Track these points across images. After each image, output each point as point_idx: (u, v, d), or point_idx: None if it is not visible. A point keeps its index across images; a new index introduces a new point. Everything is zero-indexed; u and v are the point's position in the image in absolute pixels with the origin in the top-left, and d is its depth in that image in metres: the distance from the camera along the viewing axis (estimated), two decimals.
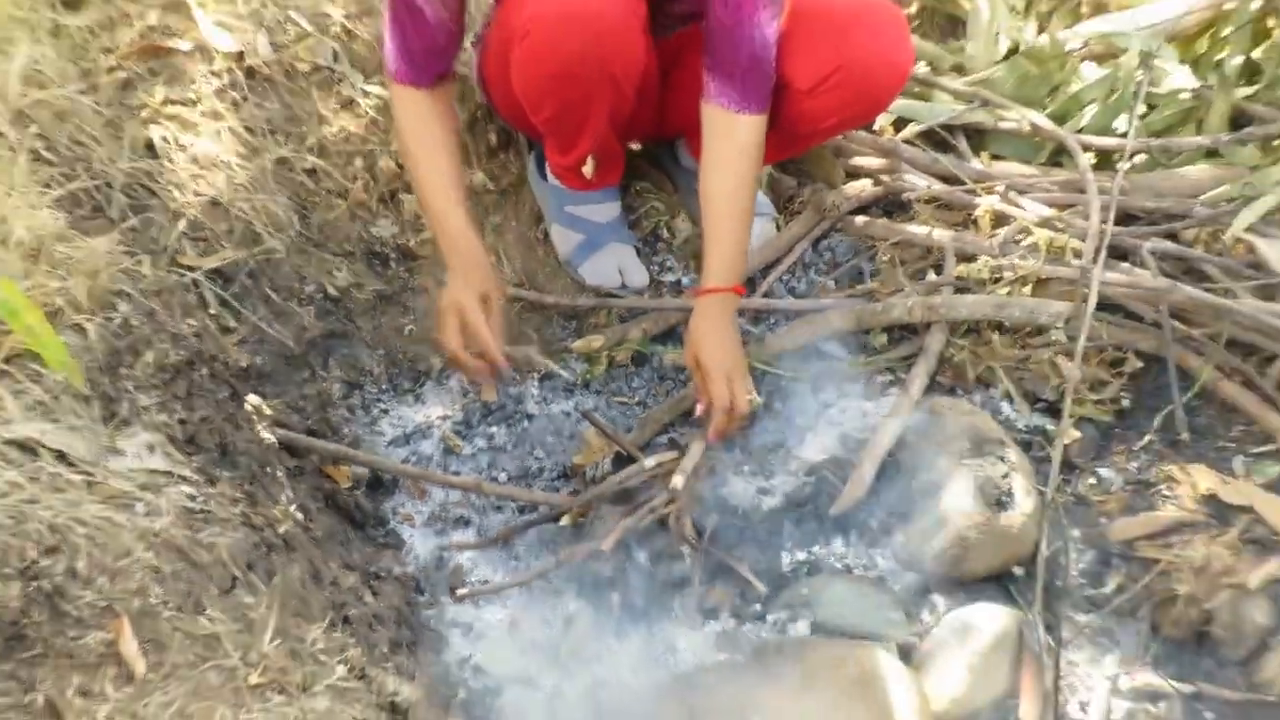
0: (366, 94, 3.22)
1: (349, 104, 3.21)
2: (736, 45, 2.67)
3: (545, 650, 2.59)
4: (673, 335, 3.21)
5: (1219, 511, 2.72)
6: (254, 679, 1.89)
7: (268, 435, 2.55)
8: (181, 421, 2.27)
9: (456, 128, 2.91)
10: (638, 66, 2.76)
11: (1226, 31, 3.49)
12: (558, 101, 2.78)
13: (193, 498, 2.09)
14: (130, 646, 1.79)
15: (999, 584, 2.72)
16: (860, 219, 3.37)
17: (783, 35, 2.74)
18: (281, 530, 2.26)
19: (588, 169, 3.03)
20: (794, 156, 3.31)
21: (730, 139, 2.76)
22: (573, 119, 2.85)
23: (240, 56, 3.10)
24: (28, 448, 1.95)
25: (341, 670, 2.03)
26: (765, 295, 3.22)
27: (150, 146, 2.86)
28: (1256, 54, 3.51)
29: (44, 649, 1.73)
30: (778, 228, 3.36)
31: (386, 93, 3.22)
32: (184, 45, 3.05)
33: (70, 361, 2.08)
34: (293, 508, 2.39)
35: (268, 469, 2.46)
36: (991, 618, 2.59)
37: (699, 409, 2.85)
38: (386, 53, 2.74)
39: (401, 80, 2.76)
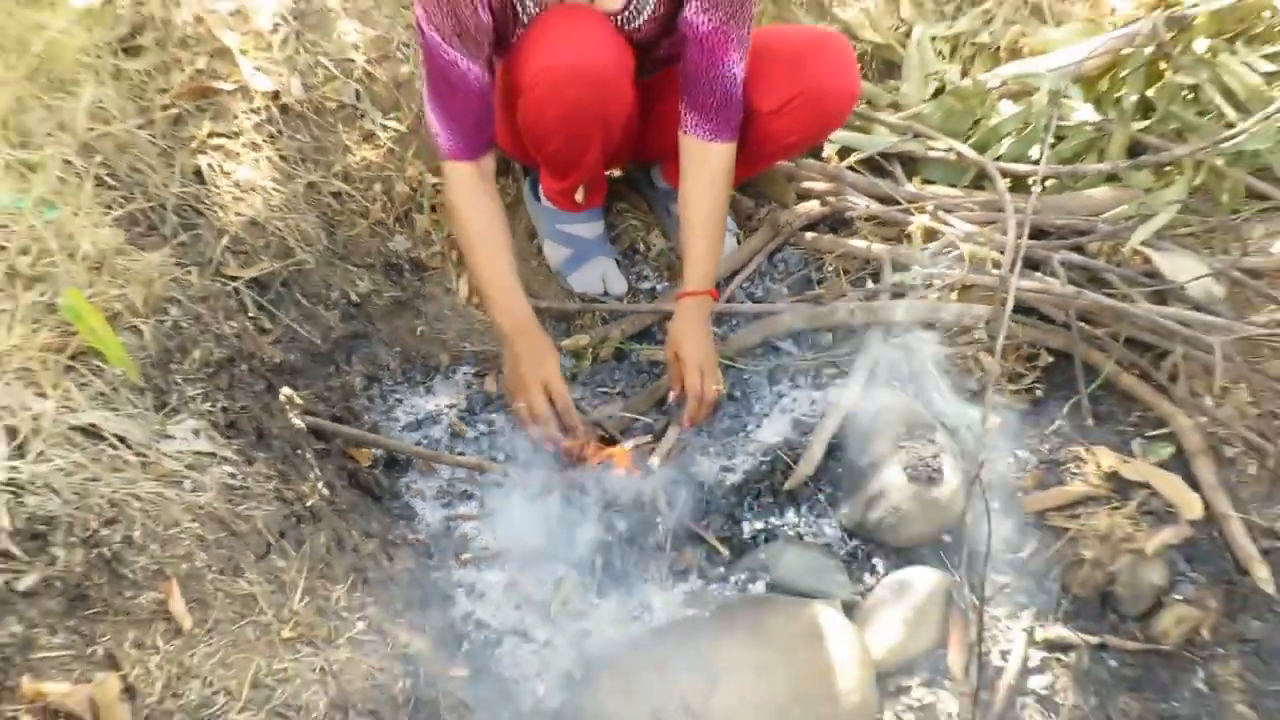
0: (385, 128, 3.22)
1: (369, 136, 3.20)
2: (711, 85, 2.70)
3: (538, 607, 2.60)
4: (648, 335, 3.21)
5: (1120, 487, 2.73)
6: (286, 633, 1.88)
7: (298, 422, 2.54)
8: (224, 410, 2.26)
9: (501, 205, 2.84)
10: (627, 110, 2.79)
11: (1124, 74, 3.49)
12: (560, 139, 2.80)
13: (233, 476, 2.08)
14: (179, 605, 1.79)
15: (930, 549, 2.73)
16: (809, 235, 3.37)
17: (749, 66, 2.75)
18: (310, 504, 2.25)
19: (579, 195, 3.05)
20: (758, 172, 3.31)
21: (706, 165, 2.79)
22: (571, 153, 2.87)
23: (276, 96, 3.10)
24: (91, 433, 1.94)
25: (362, 625, 2.04)
26: (728, 300, 3.21)
27: (198, 173, 2.86)
28: (1150, 93, 3.51)
29: (104, 608, 1.73)
30: (738, 242, 3.36)
31: (402, 127, 3.23)
32: (228, 86, 3.05)
33: (127, 358, 2.08)
34: (319, 484, 2.38)
35: (298, 451, 2.45)
36: (924, 579, 2.60)
37: (672, 396, 2.88)
38: (437, 138, 2.70)
39: (455, 157, 2.71)
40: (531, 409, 2.75)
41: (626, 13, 2.67)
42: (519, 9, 2.64)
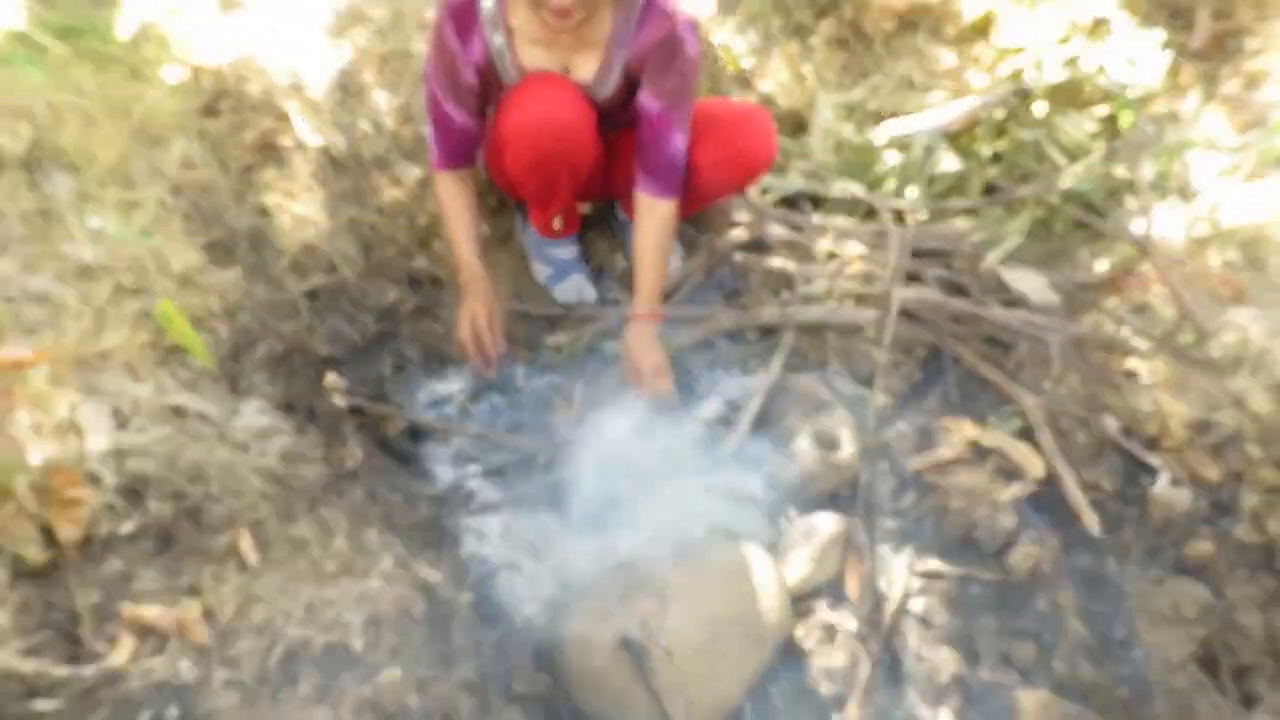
0: (408, 174, 3.21)
1: (397, 181, 3.19)
2: (658, 154, 2.73)
3: (527, 547, 2.60)
4: (613, 334, 3.20)
5: (979, 452, 2.75)
6: (330, 567, 1.89)
7: (340, 401, 2.55)
8: (283, 392, 2.28)
9: (475, 199, 2.95)
10: (589, 157, 2.78)
11: (981, 131, 3.50)
12: (536, 181, 2.80)
13: (289, 444, 2.09)
14: (247, 545, 1.80)
15: (833, 501, 2.73)
16: (739, 256, 3.37)
17: (693, 128, 2.78)
18: (349, 465, 2.26)
19: (557, 224, 3.05)
20: (701, 209, 3.33)
21: (652, 216, 2.83)
22: (545, 192, 2.86)
23: (325, 149, 3.08)
24: (178, 411, 1.95)
25: (389, 562, 2.04)
26: (676, 304, 3.22)
27: (264, 209, 2.85)
28: (1000, 146, 3.52)
29: (187, 548, 1.74)
30: (683, 261, 3.36)
31: (424, 173, 3.21)
32: (288, 142, 3.04)
33: (207, 353, 2.10)
34: (357, 451, 2.39)
35: (340, 424, 2.46)
36: (827, 523, 2.61)
37: (634, 397, 2.88)
38: (430, 150, 2.84)
39: (440, 168, 2.85)
40: (458, 331, 2.92)
41: (595, 85, 2.68)
42: (501, 78, 2.67)
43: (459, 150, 2.83)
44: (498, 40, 2.59)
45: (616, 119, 2.85)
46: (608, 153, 2.94)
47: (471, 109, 2.73)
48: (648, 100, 2.67)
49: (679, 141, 2.73)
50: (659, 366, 2.85)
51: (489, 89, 2.71)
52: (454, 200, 2.88)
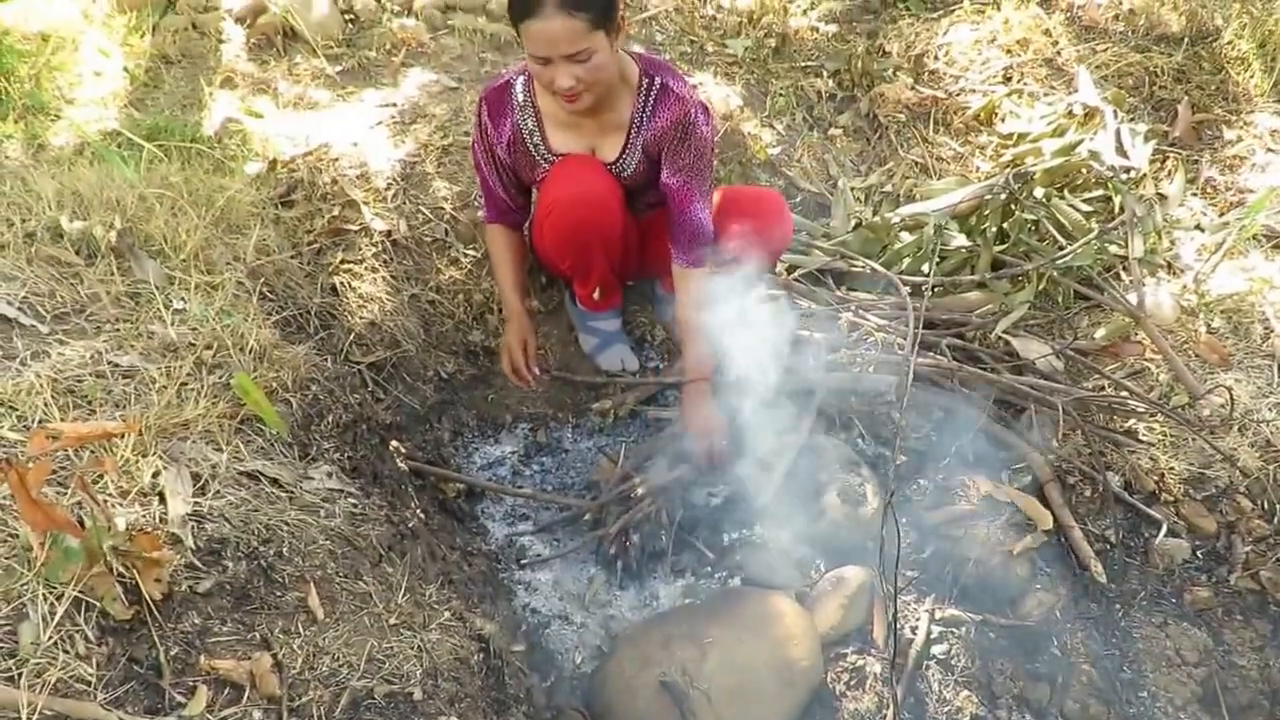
0: (465, 255, 3.20)
1: (455, 261, 3.18)
2: (682, 225, 2.72)
3: (575, 599, 2.56)
4: (654, 400, 3.16)
5: (993, 506, 2.68)
6: (392, 620, 1.83)
7: (403, 465, 2.52)
8: (349, 458, 2.24)
9: (521, 249, 3.03)
10: (618, 229, 2.78)
11: (987, 212, 3.47)
12: (572, 252, 2.82)
13: (355, 506, 2.05)
14: (315, 601, 1.75)
15: (859, 552, 2.65)
16: None
17: (720, 218, 2.81)
18: (410, 525, 2.22)
19: (597, 295, 3.03)
20: None
21: (689, 284, 2.80)
22: (582, 263, 2.88)
23: (389, 234, 3.09)
24: (253, 476, 1.92)
25: (448, 615, 1.98)
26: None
27: (333, 289, 2.85)
28: (1005, 225, 3.49)
29: (260, 604, 1.69)
30: None
31: (480, 254, 3.20)
32: (354, 227, 3.04)
33: (280, 422, 2.07)
34: (418, 511, 2.36)
35: (402, 486, 2.42)
36: (854, 574, 2.54)
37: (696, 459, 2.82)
38: (483, 204, 2.99)
39: (489, 222, 2.97)
40: (501, 361, 3.02)
41: (619, 164, 2.70)
42: (534, 154, 2.71)
43: (501, 210, 2.92)
44: (529, 123, 2.66)
45: (644, 199, 2.88)
46: (641, 234, 2.95)
47: (506, 181, 2.82)
48: (668, 177, 2.68)
49: (700, 212, 2.72)
50: (717, 429, 2.80)
51: (520, 165, 2.77)
52: (501, 249, 2.96)
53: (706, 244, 2.77)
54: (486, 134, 2.71)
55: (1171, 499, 2.75)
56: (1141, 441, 2.88)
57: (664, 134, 2.62)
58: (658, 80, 2.58)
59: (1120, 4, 4.30)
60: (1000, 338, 3.12)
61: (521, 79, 2.63)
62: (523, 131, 2.67)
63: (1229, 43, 4.19)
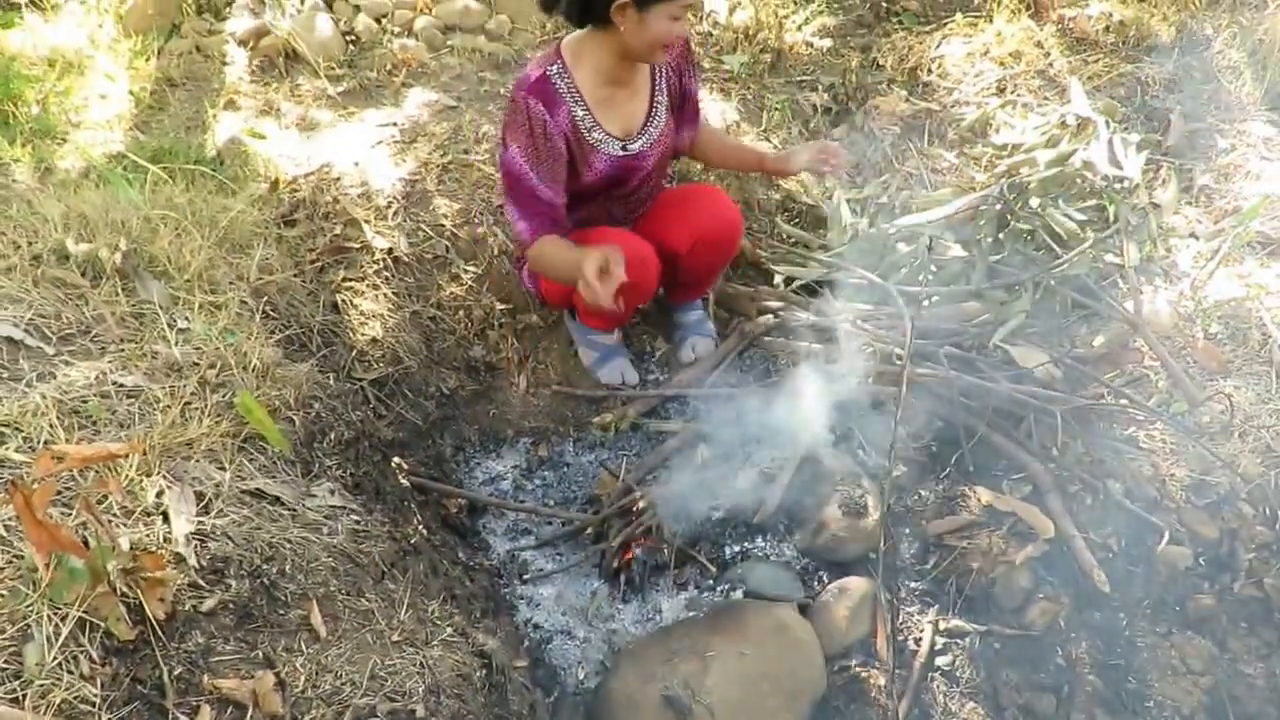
0: (466, 271, 3.19)
1: (456, 278, 3.18)
2: (696, 112, 2.96)
3: (578, 613, 2.54)
4: (655, 413, 3.14)
5: (994, 516, 2.66)
6: (394, 637, 1.82)
7: (405, 481, 2.50)
8: (351, 475, 2.23)
9: (567, 243, 2.71)
10: (652, 287, 2.90)
11: (983, 222, 3.46)
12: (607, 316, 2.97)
13: (357, 522, 2.04)
14: (317, 619, 1.74)
15: (861, 563, 2.63)
16: (767, 339, 3.32)
17: (661, 219, 2.90)
18: (413, 541, 2.20)
19: (603, 334, 3.18)
20: (704, 293, 3.37)
21: (713, 133, 3.11)
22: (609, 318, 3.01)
23: (390, 251, 3.08)
24: (256, 494, 1.91)
25: (450, 630, 1.97)
26: (710, 386, 3.16)
27: (335, 306, 2.85)
28: (1001, 235, 3.47)
29: (263, 622, 1.67)
30: (717, 345, 3.30)
31: (480, 269, 3.19)
32: (356, 245, 3.04)
33: (283, 440, 2.06)
34: (420, 527, 2.34)
35: (405, 502, 2.41)
36: (857, 585, 2.52)
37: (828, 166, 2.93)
38: (521, 231, 2.66)
39: (539, 234, 2.64)
40: (589, 283, 2.36)
41: (647, 126, 2.77)
42: (585, 141, 2.66)
43: (549, 220, 2.66)
44: (579, 111, 2.62)
45: (654, 168, 2.88)
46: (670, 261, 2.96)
47: (560, 179, 2.63)
48: (692, 91, 2.88)
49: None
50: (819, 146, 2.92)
51: (577, 155, 2.67)
52: (561, 246, 2.62)
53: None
54: (544, 128, 2.54)
55: (1173, 506, 2.72)
56: (1142, 449, 2.86)
57: (678, 63, 2.79)
58: None
59: (1110, 16, 4.31)
60: (998, 346, 3.10)
61: (555, 68, 2.59)
62: (577, 120, 2.62)
63: (1219, 52, 4.19)
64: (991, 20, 4.31)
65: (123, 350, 2.06)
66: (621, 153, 2.71)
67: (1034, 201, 3.51)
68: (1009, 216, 3.45)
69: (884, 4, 4.61)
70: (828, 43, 4.37)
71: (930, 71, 4.20)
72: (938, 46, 4.27)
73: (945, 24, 4.40)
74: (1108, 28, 4.28)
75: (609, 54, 2.56)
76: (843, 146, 2.96)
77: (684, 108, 2.89)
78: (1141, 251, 3.42)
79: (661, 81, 2.77)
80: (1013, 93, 4.05)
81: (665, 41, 2.48)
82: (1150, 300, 3.26)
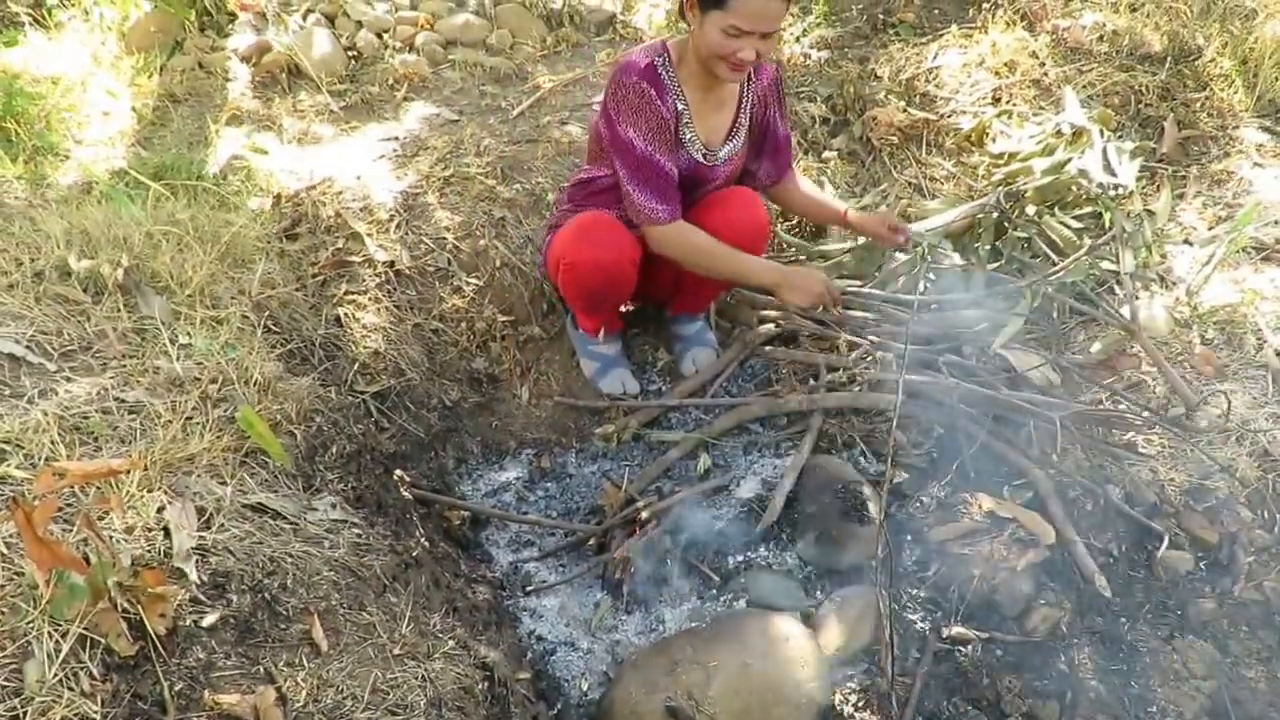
0: (468, 284, 3.18)
1: (457, 290, 3.16)
2: (788, 161, 3.06)
3: (581, 625, 2.51)
4: (657, 423, 3.12)
5: (995, 522, 2.63)
6: (396, 651, 1.79)
7: (407, 494, 2.48)
8: (353, 488, 2.20)
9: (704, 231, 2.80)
10: (630, 288, 2.91)
11: (980, 230, 3.45)
12: (584, 301, 2.93)
13: (359, 536, 2.02)
14: (319, 633, 1.71)
15: (862, 571, 2.59)
16: (768, 348, 3.30)
17: (701, 212, 2.83)
18: (415, 554, 2.18)
19: (600, 336, 3.12)
20: (700, 307, 3.34)
21: (797, 183, 3.12)
22: (593, 310, 2.98)
23: (392, 264, 3.08)
24: (257, 509, 1.89)
25: (452, 643, 1.94)
26: (712, 395, 3.14)
27: (337, 320, 2.83)
28: (998, 243, 3.46)
29: (264, 636, 1.65)
30: (718, 355, 3.28)
31: (482, 281, 3.17)
32: (358, 259, 3.03)
33: (285, 454, 2.04)
34: (422, 539, 2.32)
35: (407, 515, 2.38)
36: (859, 594, 2.49)
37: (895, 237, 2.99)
38: (651, 212, 2.67)
39: (671, 218, 2.69)
40: (821, 289, 2.68)
41: (725, 146, 2.82)
42: (683, 140, 2.72)
43: (679, 200, 2.71)
44: (681, 104, 2.66)
45: (721, 183, 2.92)
46: (647, 259, 2.91)
47: (675, 152, 2.69)
48: (778, 128, 2.93)
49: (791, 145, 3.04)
50: (813, 275, 2.78)
51: (675, 126, 2.71)
52: (701, 236, 2.71)
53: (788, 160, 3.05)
54: (654, 105, 2.57)
55: (1172, 511, 2.70)
56: (1141, 454, 2.84)
57: (766, 93, 2.84)
58: None
59: (1104, 25, 4.30)
60: (997, 354, 3.09)
61: (661, 60, 2.62)
62: (679, 111, 2.67)
63: (1211, 60, 4.19)
64: (987, 31, 4.31)
65: (124, 366, 2.04)
66: (701, 160, 2.76)
67: (1030, 209, 3.50)
68: (1006, 224, 3.44)
69: (881, 16, 4.61)
70: (825, 55, 4.37)
71: (927, 82, 4.19)
72: (934, 57, 4.26)
73: (941, 35, 4.40)
74: (1101, 37, 4.28)
75: (693, 55, 2.61)
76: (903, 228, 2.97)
77: (765, 142, 2.94)
78: (1137, 258, 3.42)
79: (748, 105, 2.81)
80: (1008, 102, 4.05)
81: (721, 54, 2.47)
82: (1146, 306, 3.25)
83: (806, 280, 2.68)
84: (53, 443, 1.76)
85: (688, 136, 2.71)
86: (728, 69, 2.51)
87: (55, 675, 1.38)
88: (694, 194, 2.85)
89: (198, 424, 1.96)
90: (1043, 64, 4.17)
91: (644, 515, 2.66)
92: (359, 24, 4.30)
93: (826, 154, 3.96)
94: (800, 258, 3.58)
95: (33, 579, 1.44)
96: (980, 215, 3.45)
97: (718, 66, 2.52)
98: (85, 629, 1.44)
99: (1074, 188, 3.58)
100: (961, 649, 2.42)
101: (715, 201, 2.88)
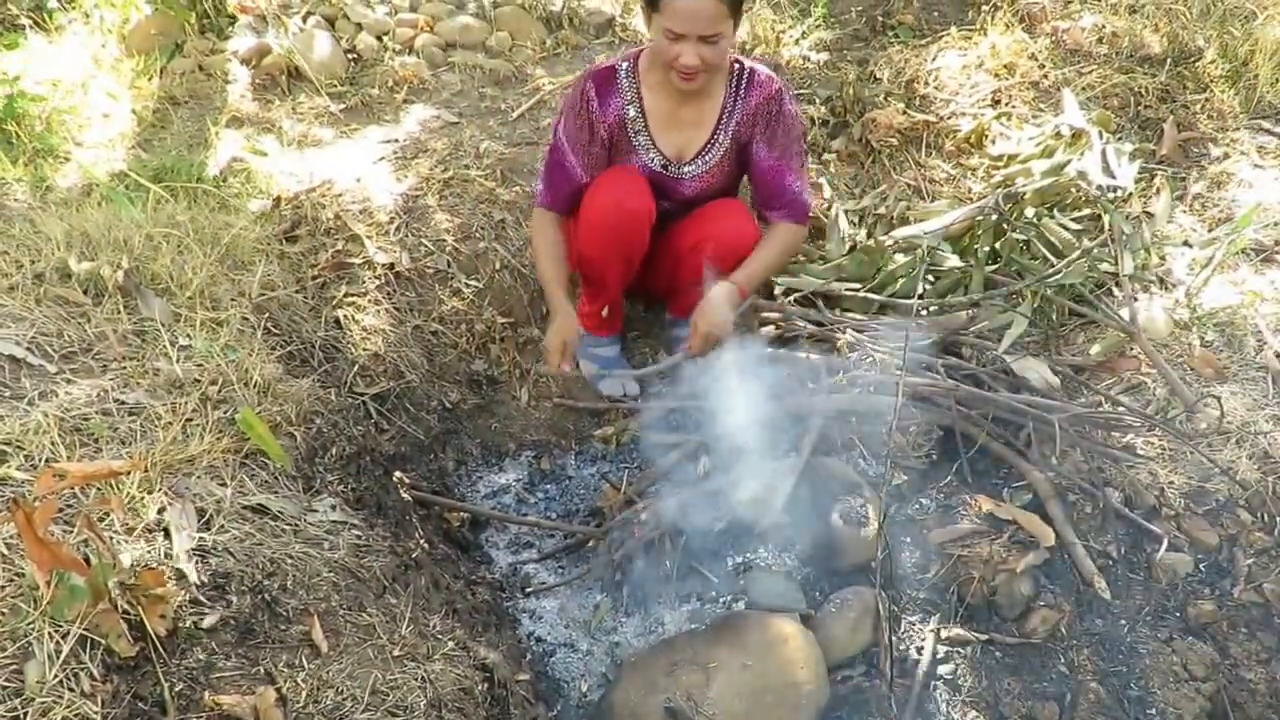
0: (467, 286, 3.19)
1: (457, 292, 3.17)
2: (779, 196, 2.91)
3: (580, 626, 2.52)
4: (656, 425, 3.12)
5: (995, 524, 2.64)
6: (396, 652, 1.80)
7: (406, 496, 2.48)
8: (353, 490, 2.21)
9: (564, 239, 2.93)
10: (644, 250, 2.89)
11: (979, 233, 3.45)
12: (599, 259, 2.89)
13: (359, 537, 2.02)
14: (319, 634, 1.72)
15: (861, 573, 2.60)
16: (769, 350, 3.29)
17: (689, 224, 2.90)
18: (414, 555, 2.18)
19: (605, 313, 3.11)
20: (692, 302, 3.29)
21: (779, 229, 2.93)
22: (603, 275, 2.94)
23: (391, 266, 3.08)
24: (257, 510, 1.90)
25: (452, 644, 1.95)
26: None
27: (337, 322, 2.84)
28: (997, 245, 3.46)
29: (264, 638, 1.66)
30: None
31: (482, 284, 3.18)
32: (358, 261, 3.03)
33: (284, 456, 2.05)
34: (422, 541, 2.32)
35: (406, 516, 2.39)
36: (858, 595, 2.49)
37: (682, 350, 2.88)
38: (538, 190, 2.93)
39: (543, 206, 2.90)
40: (548, 350, 2.84)
41: (698, 160, 2.82)
42: (632, 142, 2.78)
43: (562, 195, 2.86)
44: (632, 112, 2.72)
45: (692, 198, 2.92)
46: (652, 249, 2.96)
47: (596, 165, 2.79)
48: (761, 156, 2.80)
49: (793, 182, 2.84)
50: (717, 330, 2.77)
51: (617, 149, 2.80)
52: (550, 239, 2.89)
53: (805, 208, 2.92)
54: (589, 110, 2.72)
55: (1172, 513, 2.69)
56: (1140, 456, 2.84)
57: (755, 114, 2.76)
58: (746, 65, 2.73)
59: (1103, 27, 4.31)
60: (996, 356, 3.09)
61: (626, 65, 2.70)
62: (626, 119, 2.73)
63: (1211, 62, 4.19)
64: (986, 33, 4.31)
65: (124, 368, 2.05)
66: (662, 170, 2.77)
67: (1030, 211, 3.50)
68: (1005, 226, 3.44)
69: (880, 18, 4.62)
70: (824, 57, 4.37)
71: (926, 84, 4.19)
72: (933, 59, 4.27)
73: (940, 37, 4.40)
74: (1100, 39, 4.28)
75: (658, 59, 2.63)
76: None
77: (753, 172, 2.89)
78: (1136, 260, 3.42)
79: (730, 123, 2.78)
80: (1008, 104, 4.05)
81: (666, 58, 2.50)
82: (1146, 308, 3.25)
83: (551, 334, 2.86)
84: (53, 444, 1.76)
85: (640, 143, 2.77)
86: (678, 76, 2.54)
87: (56, 676, 1.39)
88: (662, 203, 2.87)
89: (198, 425, 1.97)
90: (1042, 66, 4.17)
91: (643, 517, 2.66)
92: (359, 26, 4.31)
93: (826, 156, 3.97)
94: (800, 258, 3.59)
95: (33, 580, 1.44)
96: (979, 217, 3.45)
97: (669, 73, 2.57)
98: (86, 630, 1.44)
99: (1073, 190, 3.58)
100: (961, 650, 2.43)
101: (702, 214, 2.92)
